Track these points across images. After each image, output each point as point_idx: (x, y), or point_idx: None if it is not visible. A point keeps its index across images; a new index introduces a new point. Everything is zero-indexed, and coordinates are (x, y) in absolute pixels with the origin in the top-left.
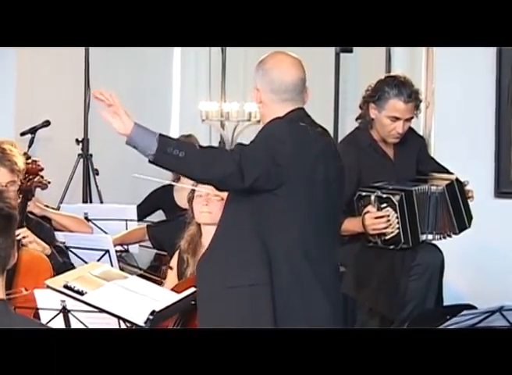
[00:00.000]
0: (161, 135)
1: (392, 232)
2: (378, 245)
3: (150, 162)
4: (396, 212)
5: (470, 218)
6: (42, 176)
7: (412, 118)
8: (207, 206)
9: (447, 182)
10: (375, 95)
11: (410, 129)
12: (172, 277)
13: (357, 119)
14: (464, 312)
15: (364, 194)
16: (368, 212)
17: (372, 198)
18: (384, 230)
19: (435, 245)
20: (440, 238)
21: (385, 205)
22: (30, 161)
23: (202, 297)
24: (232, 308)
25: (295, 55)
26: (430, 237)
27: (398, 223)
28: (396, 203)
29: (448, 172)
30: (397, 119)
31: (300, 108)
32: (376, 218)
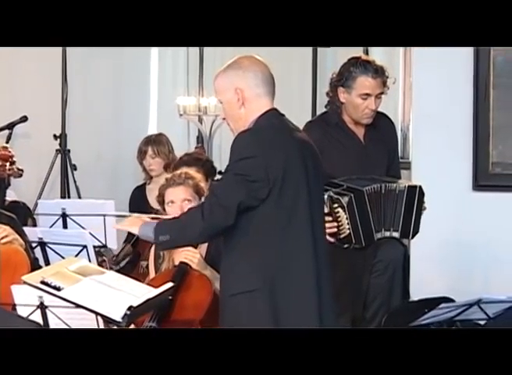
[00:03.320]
0: (156, 226)
1: (344, 232)
2: (335, 244)
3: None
4: (345, 214)
5: (415, 230)
6: (13, 162)
7: (382, 94)
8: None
9: (411, 184)
10: (342, 78)
11: (385, 115)
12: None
13: (326, 106)
14: (442, 304)
15: None
16: None
17: (325, 197)
18: (335, 230)
19: (396, 239)
20: (401, 236)
21: (336, 205)
22: None
23: (219, 305)
24: (236, 314)
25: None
26: (387, 234)
27: (348, 224)
28: (345, 205)
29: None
30: (368, 95)
31: (274, 109)
32: (326, 221)
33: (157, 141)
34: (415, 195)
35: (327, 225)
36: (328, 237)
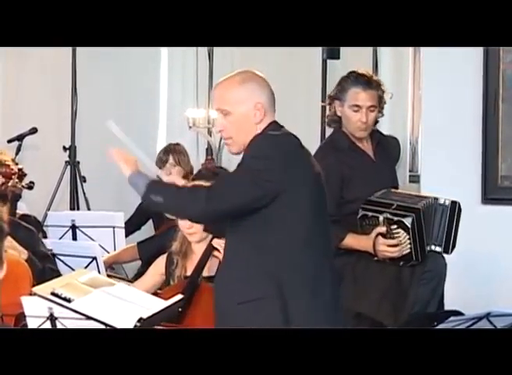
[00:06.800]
0: (151, 183)
1: (403, 251)
2: (386, 261)
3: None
4: (408, 234)
5: (454, 245)
6: (22, 176)
7: (375, 107)
8: (193, 228)
9: (453, 200)
10: (337, 91)
11: (391, 137)
12: None
13: (328, 123)
14: (451, 318)
15: (370, 214)
16: (379, 234)
17: (381, 219)
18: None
19: (439, 253)
20: (443, 251)
21: (395, 226)
22: (3, 164)
23: (218, 314)
24: (243, 323)
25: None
26: (432, 247)
27: (410, 243)
28: (409, 226)
29: None
30: (359, 107)
31: (274, 121)
32: (389, 245)
33: (177, 150)
34: (456, 210)
35: (387, 249)
36: (388, 259)
